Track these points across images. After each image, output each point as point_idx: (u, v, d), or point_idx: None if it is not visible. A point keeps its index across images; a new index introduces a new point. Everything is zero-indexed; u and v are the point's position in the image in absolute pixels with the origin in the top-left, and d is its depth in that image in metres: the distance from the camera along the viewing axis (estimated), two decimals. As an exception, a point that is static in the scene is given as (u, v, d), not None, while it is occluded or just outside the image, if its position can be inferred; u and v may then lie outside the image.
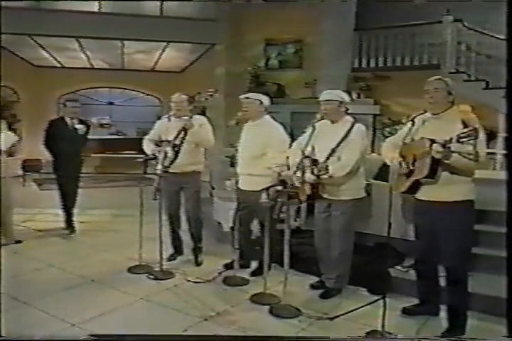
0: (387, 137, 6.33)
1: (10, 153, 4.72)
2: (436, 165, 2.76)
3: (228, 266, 4.09)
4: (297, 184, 3.40)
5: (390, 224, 2.89)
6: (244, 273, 4.06)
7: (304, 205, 4.79)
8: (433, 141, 2.66)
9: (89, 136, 5.60)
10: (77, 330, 2.99)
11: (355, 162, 3.40)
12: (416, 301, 3.38)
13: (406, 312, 3.32)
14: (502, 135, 6.13)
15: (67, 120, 5.28)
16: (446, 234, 2.97)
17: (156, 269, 4.04)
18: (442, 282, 3.21)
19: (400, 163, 2.97)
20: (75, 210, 5.56)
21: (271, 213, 3.57)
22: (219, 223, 5.28)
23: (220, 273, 4.03)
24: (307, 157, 3.35)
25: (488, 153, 3.31)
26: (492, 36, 6.51)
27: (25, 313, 3.23)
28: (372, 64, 7.81)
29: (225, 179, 5.46)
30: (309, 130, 3.52)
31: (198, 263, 4.36)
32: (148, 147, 4.23)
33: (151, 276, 3.97)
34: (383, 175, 4.26)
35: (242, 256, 4.04)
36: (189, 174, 4.21)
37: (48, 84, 10.92)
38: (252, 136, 3.93)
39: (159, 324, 3.16)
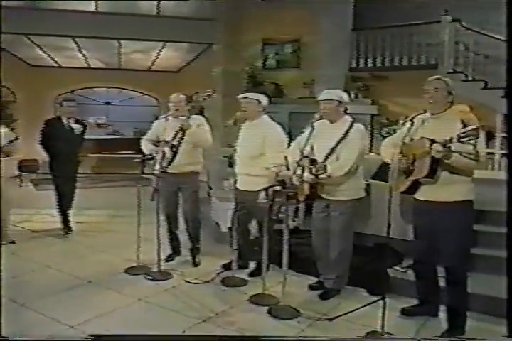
0: (384, 137, 6.35)
1: (7, 153, 4.68)
2: (435, 165, 2.75)
3: (226, 267, 4.08)
4: (296, 183, 3.39)
5: (389, 225, 2.88)
6: (243, 274, 4.04)
7: (302, 205, 4.78)
8: (433, 141, 2.65)
9: (86, 136, 5.56)
10: (75, 332, 2.97)
11: (353, 162, 3.39)
12: (415, 302, 3.37)
13: (405, 312, 3.31)
14: (500, 135, 6.13)
15: (64, 120, 5.25)
16: (446, 235, 2.96)
17: (154, 270, 4.01)
18: (441, 282, 3.20)
19: (400, 160, 2.95)
20: (72, 211, 5.53)
21: (269, 213, 3.55)
22: (217, 223, 5.26)
23: (218, 274, 4.01)
24: (306, 156, 3.33)
25: (487, 153, 3.30)
26: (490, 36, 6.51)
27: (22, 315, 3.20)
28: (370, 64, 7.81)
29: (223, 179, 5.45)
30: (308, 130, 3.51)
31: (195, 264, 4.34)
32: (146, 147, 4.21)
33: (149, 277, 3.95)
34: (381, 175, 4.26)
35: (240, 256, 4.02)
36: (187, 174, 4.19)
37: (44, 83, 10.89)
38: (250, 135, 3.92)
39: (157, 325, 3.13)
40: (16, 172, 8.68)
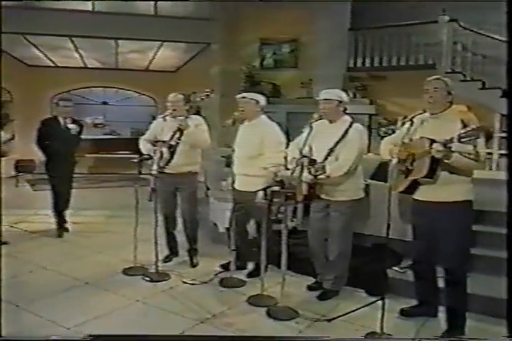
0: (382, 137, 6.35)
1: (3, 153, 4.65)
2: (435, 165, 2.74)
3: (224, 267, 4.05)
4: (295, 184, 3.37)
5: (388, 225, 2.86)
6: (241, 275, 4.02)
7: (300, 205, 4.76)
8: (433, 141, 2.64)
9: (83, 136, 5.54)
10: (72, 334, 2.94)
11: (353, 162, 3.37)
12: (414, 302, 3.35)
13: (404, 313, 3.30)
14: (498, 135, 6.14)
15: (60, 119, 5.22)
16: (445, 235, 2.95)
17: (152, 271, 3.99)
18: (440, 283, 3.19)
19: (399, 160, 2.94)
20: (69, 211, 5.51)
21: (268, 214, 3.53)
22: (215, 224, 5.24)
23: (216, 275, 3.99)
24: (305, 157, 3.31)
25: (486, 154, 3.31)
26: (488, 36, 6.52)
27: (19, 317, 3.17)
28: (368, 64, 7.80)
29: (221, 179, 5.42)
30: (307, 130, 3.49)
31: (193, 265, 4.32)
32: (144, 147, 4.18)
33: (147, 278, 3.92)
34: (380, 175, 4.25)
35: (238, 257, 4.00)
36: (185, 175, 4.16)
37: (41, 83, 10.82)
38: (249, 136, 3.89)
39: (155, 327, 3.10)
40: (13, 173, 8.65)
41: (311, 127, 3.48)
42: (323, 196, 3.44)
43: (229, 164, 4.45)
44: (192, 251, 4.37)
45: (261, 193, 3.59)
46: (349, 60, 7.94)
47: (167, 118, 4.22)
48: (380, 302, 2.95)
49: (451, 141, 2.51)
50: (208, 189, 6.46)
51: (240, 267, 4.08)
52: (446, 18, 6.86)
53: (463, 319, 2.99)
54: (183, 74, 11.17)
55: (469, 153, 2.67)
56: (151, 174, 3.83)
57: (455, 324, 3.01)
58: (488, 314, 3.17)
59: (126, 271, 4.07)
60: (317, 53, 7.90)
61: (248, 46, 8.65)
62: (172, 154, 3.90)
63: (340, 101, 3.46)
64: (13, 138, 4.77)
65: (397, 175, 2.96)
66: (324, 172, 3.24)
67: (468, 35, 6.87)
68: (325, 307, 3.44)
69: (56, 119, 5.25)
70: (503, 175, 3.06)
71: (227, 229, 4.43)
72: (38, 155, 5.63)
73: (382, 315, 2.88)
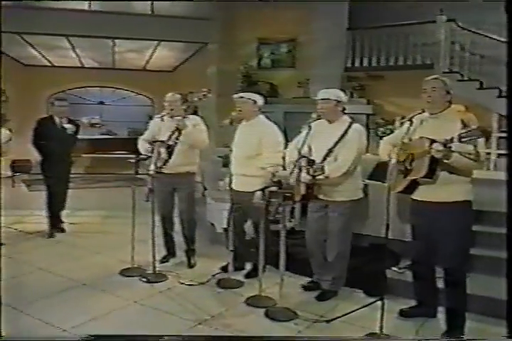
0: (380, 137, 6.35)
1: (2, 153, 4.61)
2: (435, 165, 2.73)
3: (225, 269, 4.02)
4: (293, 184, 3.35)
5: (388, 225, 2.85)
6: (239, 275, 4.00)
7: (298, 206, 4.74)
8: (433, 141, 2.62)
9: (80, 136, 5.52)
10: (69, 336, 2.92)
11: (352, 162, 3.36)
12: (413, 303, 3.34)
13: (403, 314, 3.29)
14: (496, 135, 6.14)
15: (56, 119, 5.20)
16: (445, 235, 2.94)
17: (149, 272, 3.97)
18: (439, 283, 3.17)
19: (398, 160, 2.92)
20: (66, 211, 5.48)
21: (266, 214, 3.51)
22: (212, 224, 5.22)
23: (213, 276, 3.96)
24: (303, 157, 3.29)
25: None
26: (486, 36, 6.51)
27: (15, 319, 3.14)
28: (366, 63, 7.78)
29: (218, 179, 5.40)
30: (305, 130, 3.47)
31: (191, 266, 4.30)
32: (142, 147, 4.15)
33: (144, 279, 3.90)
34: (377, 175, 4.23)
35: (236, 257, 3.97)
36: (183, 175, 4.14)
37: (37, 83, 10.78)
38: (246, 135, 3.87)
39: (153, 328, 3.08)
40: (9, 173, 8.60)
41: (310, 127, 3.46)
42: (321, 196, 3.42)
43: (226, 164, 4.44)
44: (189, 252, 4.35)
45: (259, 193, 3.58)
46: (347, 59, 7.93)
47: (164, 118, 4.20)
48: (378, 303, 2.93)
49: (451, 140, 2.50)
50: (205, 189, 6.44)
51: (238, 268, 4.06)
52: (444, 17, 6.85)
53: (462, 319, 2.98)
54: (180, 74, 11.15)
55: (469, 153, 2.65)
56: (148, 174, 3.81)
57: (455, 324, 3.00)
58: (488, 314, 3.16)
59: (124, 272, 4.05)
60: (315, 53, 7.87)
61: (245, 46, 8.62)
62: (170, 154, 3.88)
63: (339, 101, 3.44)
64: (10, 139, 4.73)
65: (396, 175, 2.95)
66: (323, 173, 3.22)
67: (466, 35, 6.85)
68: (324, 308, 3.42)
69: (52, 119, 5.22)
70: (501, 175, 3.05)
71: (225, 229, 4.41)
72: (34, 155, 5.60)
73: (382, 315, 2.87)
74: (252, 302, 3.49)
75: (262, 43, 8.65)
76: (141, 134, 4.39)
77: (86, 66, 11.35)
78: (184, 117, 3.96)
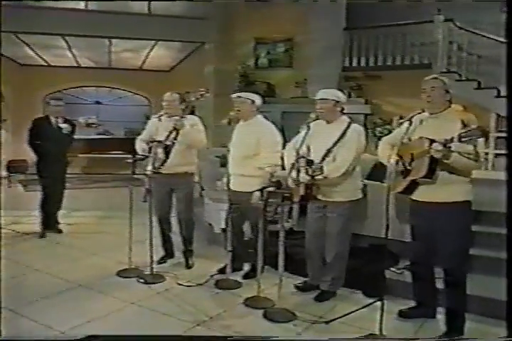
0: (378, 137, 6.34)
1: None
2: (434, 165, 2.71)
3: (223, 271, 3.99)
4: (292, 185, 3.33)
5: (387, 226, 2.83)
6: (237, 276, 3.98)
7: (296, 206, 4.72)
8: (433, 140, 2.61)
9: (76, 136, 5.49)
10: (68, 336, 2.91)
11: (350, 163, 3.34)
12: (411, 304, 3.33)
13: (402, 315, 3.27)
14: (494, 135, 6.14)
15: (52, 119, 5.17)
16: (444, 236, 2.92)
17: (146, 273, 3.94)
18: (439, 284, 3.16)
19: (397, 162, 2.91)
20: (62, 212, 5.45)
21: (264, 214, 3.49)
22: (210, 224, 5.19)
23: (211, 276, 3.94)
24: (302, 157, 3.27)
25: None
26: (484, 36, 6.52)
27: (11, 321, 3.10)
28: (363, 63, 7.79)
29: (215, 179, 5.37)
30: (304, 130, 3.45)
31: (188, 266, 4.27)
32: (139, 147, 4.13)
33: (141, 280, 3.87)
34: (376, 176, 4.22)
35: (234, 258, 3.95)
36: (181, 175, 4.11)
37: (33, 83, 10.73)
38: (244, 135, 3.85)
39: (151, 330, 3.05)
40: (4, 173, 8.55)
41: (309, 127, 3.44)
42: (320, 197, 3.40)
43: (224, 164, 4.41)
44: (187, 253, 4.32)
45: (257, 194, 3.56)
46: (344, 59, 7.93)
47: (162, 118, 4.17)
48: (377, 304, 2.92)
49: (451, 140, 2.48)
50: (202, 189, 6.41)
51: (236, 268, 4.04)
52: (442, 17, 6.86)
53: (462, 320, 2.97)
54: (177, 74, 11.13)
55: (469, 153, 2.64)
56: (145, 174, 3.78)
57: (454, 325, 2.98)
58: (487, 315, 3.14)
59: (121, 273, 4.01)
60: (312, 53, 7.87)
61: (243, 45, 8.61)
62: (167, 154, 3.85)
63: (338, 101, 3.42)
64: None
65: (395, 176, 2.93)
66: (322, 173, 3.20)
67: (463, 35, 6.87)
68: (322, 309, 3.40)
69: (48, 119, 5.19)
70: (500, 175, 3.05)
71: (223, 229, 4.39)
72: (31, 156, 5.57)
73: (381, 316, 2.84)
74: (251, 303, 3.47)
75: (259, 43, 8.64)
76: (138, 134, 4.37)
77: (82, 66, 11.31)
78: (182, 117, 3.94)
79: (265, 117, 3.97)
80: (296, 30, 8.08)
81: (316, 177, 3.25)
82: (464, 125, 2.63)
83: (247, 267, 4.11)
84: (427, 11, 7.01)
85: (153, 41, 8.94)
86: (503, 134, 5.86)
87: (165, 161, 3.85)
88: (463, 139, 2.43)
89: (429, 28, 7.03)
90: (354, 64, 7.87)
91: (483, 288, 3.29)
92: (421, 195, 2.95)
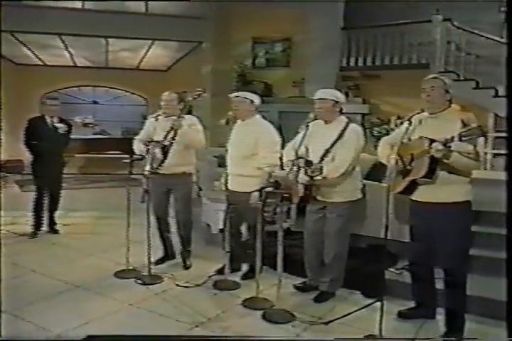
0: (376, 136, 6.33)
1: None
2: (434, 165, 2.70)
3: (221, 272, 3.97)
4: (290, 185, 3.31)
5: (387, 226, 2.81)
6: (235, 277, 3.96)
7: (294, 206, 4.70)
8: (433, 140, 2.59)
9: (73, 136, 5.46)
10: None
11: (350, 163, 3.32)
12: (411, 304, 3.31)
13: (402, 315, 3.26)
14: (492, 135, 6.14)
15: (47, 118, 5.13)
16: (444, 236, 2.91)
17: (144, 274, 3.91)
18: (438, 284, 3.15)
19: (397, 161, 2.89)
20: (59, 212, 5.41)
21: (262, 214, 3.47)
22: (208, 225, 5.17)
23: (209, 277, 3.91)
24: (301, 158, 3.25)
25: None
26: (482, 36, 6.52)
27: (7, 323, 3.07)
28: (361, 63, 7.77)
29: (213, 179, 5.35)
30: (303, 130, 3.43)
31: (186, 267, 4.24)
32: (137, 147, 4.10)
33: (139, 281, 3.84)
34: (374, 176, 4.21)
35: (232, 259, 3.93)
36: (179, 175, 4.08)
37: (29, 82, 10.69)
38: (243, 135, 3.83)
39: (149, 331, 3.02)
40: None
41: (308, 127, 3.42)
42: (319, 197, 3.38)
43: (221, 164, 4.39)
44: (185, 253, 4.29)
45: (256, 194, 3.54)
46: (342, 59, 7.93)
47: (159, 117, 4.15)
48: (376, 305, 2.91)
49: (451, 139, 2.47)
50: (200, 189, 6.39)
51: (235, 269, 4.01)
52: (440, 17, 6.85)
53: (462, 321, 2.96)
54: (174, 73, 11.11)
55: (469, 153, 2.63)
56: (143, 174, 3.76)
57: (454, 326, 2.97)
58: (487, 316, 3.13)
59: (118, 274, 3.98)
60: (310, 52, 7.86)
61: (240, 45, 8.60)
62: (165, 154, 3.83)
63: (337, 102, 3.40)
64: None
65: (395, 176, 2.91)
66: (321, 174, 3.19)
67: (461, 35, 6.86)
68: (321, 310, 3.39)
69: (43, 118, 5.16)
70: (499, 175, 3.04)
71: (221, 230, 4.36)
72: (27, 156, 5.54)
73: (381, 317, 2.82)
74: (249, 304, 3.45)
75: (257, 42, 8.63)
76: (135, 134, 4.34)
77: (79, 65, 11.27)
78: (179, 117, 3.91)
79: (263, 117, 3.94)
80: (294, 29, 8.08)
81: (315, 178, 3.23)
82: (464, 124, 2.61)
83: (245, 268, 4.09)
84: (425, 10, 7.00)
85: (150, 41, 8.92)
86: (501, 134, 5.86)
87: (163, 161, 3.82)
88: (463, 138, 2.41)
89: (427, 28, 7.02)
90: (352, 63, 7.85)
91: (483, 288, 3.28)
92: (421, 195, 2.94)
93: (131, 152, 4.14)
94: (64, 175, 5.47)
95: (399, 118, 6.19)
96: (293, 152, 3.37)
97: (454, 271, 2.94)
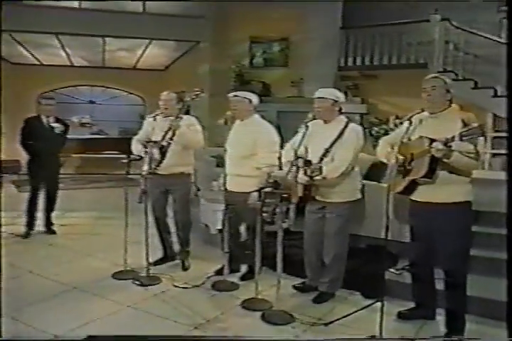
0: (375, 136, 6.32)
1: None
2: (434, 165, 2.69)
3: (220, 272, 3.95)
4: (290, 185, 3.29)
5: (387, 227, 2.79)
6: (234, 278, 3.93)
7: (293, 206, 4.67)
8: (433, 140, 2.58)
9: (70, 136, 5.44)
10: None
11: (349, 163, 3.30)
12: (410, 305, 3.30)
13: (402, 316, 3.24)
14: (491, 135, 6.14)
15: (43, 118, 5.10)
16: (444, 236, 2.89)
17: (142, 274, 3.88)
18: (438, 285, 3.13)
19: (397, 159, 2.87)
20: (56, 213, 5.38)
21: (261, 215, 3.45)
22: (206, 225, 5.14)
23: (208, 278, 3.89)
24: (300, 157, 3.23)
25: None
26: (480, 35, 6.51)
27: (5, 324, 3.04)
28: (359, 62, 7.77)
29: (211, 180, 5.33)
30: (302, 129, 3.41)
31: (185, 268, 4.21)
32: (135, 147, 4.07)
33: (137, 282, 3.81)
34: (373, 176, 4.19)
35: (231, 259, 3.91)
36: (177, 176, 4.05)
37: (26, 82, 10.61)
38: (241, 135, 3.80)
39: (147, 333, 2.99)
40: (-2, 174, 8.46)
41: (307, 127, 3.40)
42: (319, 197, 3.37)
43: (219, 164, 4.36)
44: (184, 254, 4.27)
45: (255, 194, 3.52)
46: (340, 58, 7.93)
47: (157, 117, 4.12)
48: (376, 305, 2.90)
49: (452, 139, 2.46)
50: (198, 189, 6.36)
51: (234, 270, 3.99)
52: (438, 17, 6.86)
53: (462, 321, 2.95)
54: (171, 73, 11.07)
55: (469, 152, 2.61)
56: (140, 175, 3.73)
57: (454, 326, 2.96)
58: (487, 316, 3.12)
59: (116, 275, 3.95)
60: (308, 52, 7.86)
61: (238, 44, 8.58)
62: (163, 155, 3.80)
63: (336, 101, 3.39)
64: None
65: (395, 176, 2.90)
66: (320, 174, 3.17)
67: (460, 35, 6.86)
68: (321, 311, 3.37)
69: (39, 118, 5.13)
70: (498, 175, 3.03)
71: (220, 230, 4.34)
72: (23, 156, 5.50)
73: (381, 317, 2.81)
74: (248, 305, 3.42)
75: (255, 42, 8.62)
76: (133, 134, 4.31)
77: (76, 65, 11.21)
78: (178, 117, 3.88)
79: (261, 116, 3.92)
80: (292, 29, 8.06)
81: (315, 178, 3.21)
82: (465, 124, 2.60)
83: (244, 268, 4.07)
84: (424, 10, 7.00)
85: (147, 40, 8.88)
86: (500, 134, 5.86)
87: (161, 162, 3.80)
88: (464, 138, 2.40)
89: (425, 28, 7.03)
90: (350, 63, 7.86)
91: (483, 288, 3.27)
92: (420, 195, 2.92)
93: (129, 152, 4.11)
94: (61, 175, 5.44)
95: (397, 118, 6.19)
96: (292, 152, 3.35)
97: (454, 272, 2.93)
